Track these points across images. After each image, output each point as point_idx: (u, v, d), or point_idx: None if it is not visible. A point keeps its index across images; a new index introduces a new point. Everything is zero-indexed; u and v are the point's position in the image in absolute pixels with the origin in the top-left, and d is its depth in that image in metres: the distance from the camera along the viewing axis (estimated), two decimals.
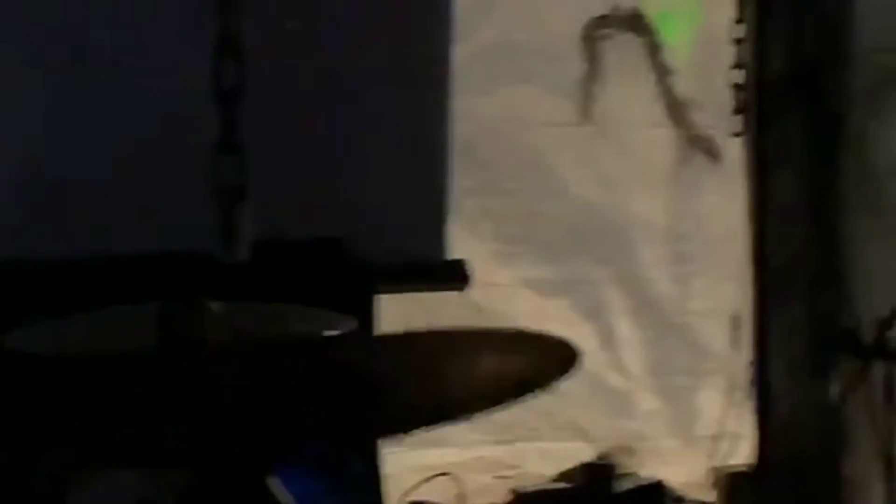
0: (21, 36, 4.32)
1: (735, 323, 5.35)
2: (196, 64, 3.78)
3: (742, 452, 5.33)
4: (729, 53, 5.30)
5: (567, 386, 5.20)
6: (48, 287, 3.42)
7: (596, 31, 5.15)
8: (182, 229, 3.95)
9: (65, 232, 4.16)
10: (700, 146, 5.34)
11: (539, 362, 2.05)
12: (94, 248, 3.83)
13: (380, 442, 3.70)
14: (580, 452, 4.91)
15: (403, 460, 4.45)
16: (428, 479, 4.58)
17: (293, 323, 2.51)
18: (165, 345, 2.41)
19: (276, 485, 2.23)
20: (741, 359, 5.38)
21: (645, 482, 4.80)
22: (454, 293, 4.90)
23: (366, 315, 3.73)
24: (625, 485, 4.74)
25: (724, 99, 5.31)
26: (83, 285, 3.01)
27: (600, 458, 4.83)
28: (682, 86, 5.29)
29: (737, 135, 5.28)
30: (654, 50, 5.23)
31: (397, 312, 4.55)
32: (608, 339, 5.23)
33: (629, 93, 5.22)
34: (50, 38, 4.35)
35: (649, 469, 4.97)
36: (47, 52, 4.34)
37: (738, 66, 5.18)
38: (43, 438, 2.08)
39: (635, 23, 5.20)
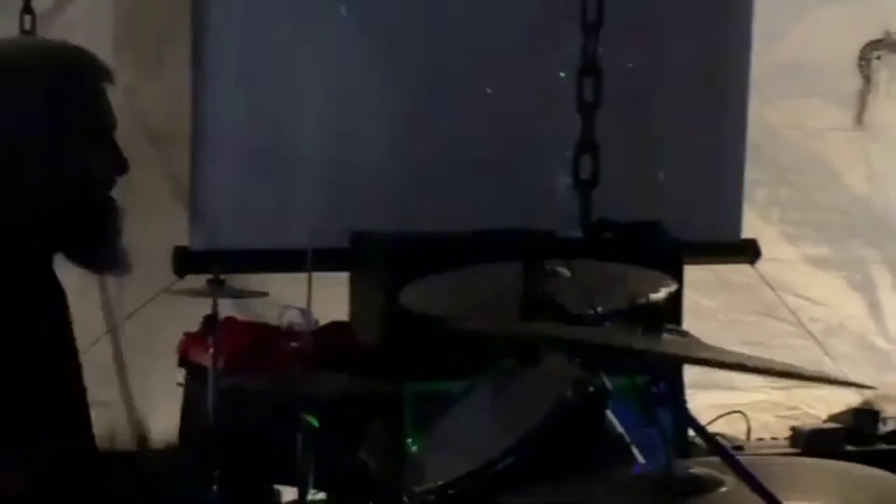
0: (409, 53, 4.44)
1: None
2: (554, 77, 3.86)
3: None
4: None
5: (840, 346, 5.08)
6: (428, 254, 3.48)
7: (870, 52, 5.00)
8: (534, 211, 4.01)
9: (444, 211, 4.27)
10: None
11: None
12: (465, 225, 3.89)
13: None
14: (849, 399, 4.76)
15: (700, 399, 4.40)
16: (721, 416, 4.51)
17: (629, 282, 2.48)
18: (524, 302, 2.43)
19: (609, 416, 2.22)
20: None
21: None
22: (746, 266, 4.85)
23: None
24: (887, 427, 4.57)
25: None
26: (456, 254, 3.04)
27: (866, 404, 4.66)
28: None
29: None
30: None
31: (699, 280, 4.52)
32: (874, 308, 5.09)
33: None
34: (438, 74, 4.47)
35: None
36: (448, 67, 4.47)
37: None
38: None
39: None
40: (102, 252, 2.24)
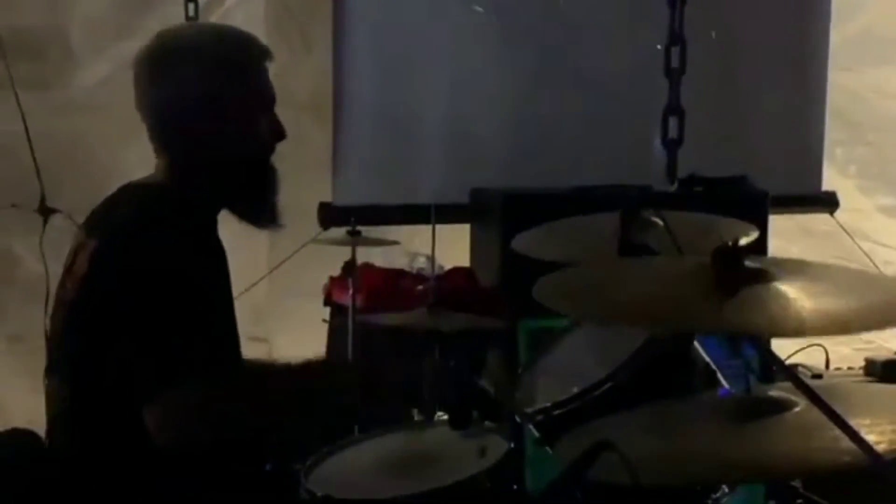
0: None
1: None
2: (643, 49, 3.82)
3: None
4: None
5: None
6: (539, 208, 3.47)
7: None
8: (631, 168, 3.99)
9: (551, 169, 4.26)
10: None
11: None
12: (570, 181, 3.88)
13: None
14: None
15: None
16: (803, 349, 4.44)
17: (718, 229, 2.45)
18: (622, 246, 2.42)
19: (697, 347, 2.21)
20: None
21: None
22: (826, 215, 4.78)
23: (762, 231, 3.66)
24: None
25: None
26: (562, 207, 3.01)
27: None
28: None
29: None
30: None
31: (783, 228, 4.47)
32: None
33: None
34: (544, 48, 4.45)
35: None
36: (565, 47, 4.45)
37: None
38: None
39: None
40: (263, 209, 2.31)
